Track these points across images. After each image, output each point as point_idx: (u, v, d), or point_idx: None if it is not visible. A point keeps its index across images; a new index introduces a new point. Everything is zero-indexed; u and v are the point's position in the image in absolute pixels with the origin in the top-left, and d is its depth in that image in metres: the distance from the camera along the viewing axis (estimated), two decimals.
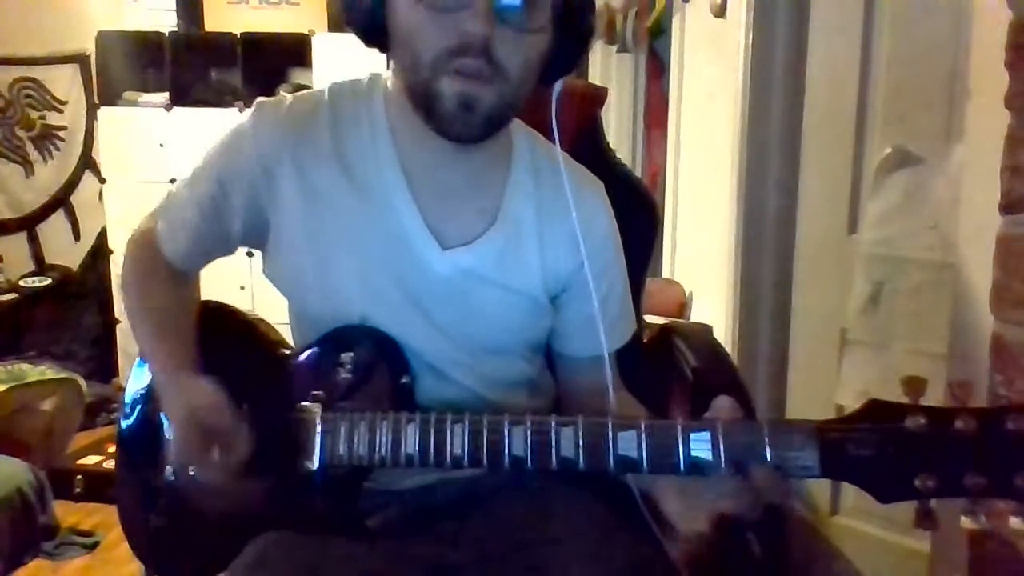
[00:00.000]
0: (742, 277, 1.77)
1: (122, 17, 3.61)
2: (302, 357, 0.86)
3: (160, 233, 0.92)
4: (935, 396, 0.61)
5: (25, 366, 2.58)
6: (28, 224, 3.83)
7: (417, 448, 0.73)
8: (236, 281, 2.80)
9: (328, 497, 0.79)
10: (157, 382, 0.88)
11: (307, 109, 0.85)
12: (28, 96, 3.77)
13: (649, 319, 1.34)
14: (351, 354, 0.82)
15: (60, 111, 3.78)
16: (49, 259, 3.85)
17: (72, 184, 3.82)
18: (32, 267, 3.81)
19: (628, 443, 0.66)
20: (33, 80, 3.75)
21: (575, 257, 0.86)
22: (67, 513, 2.34)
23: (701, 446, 0.64)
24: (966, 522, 0.57)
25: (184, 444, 0.80)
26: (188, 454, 0.81)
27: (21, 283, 3.67)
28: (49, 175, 3.82)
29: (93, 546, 2.25)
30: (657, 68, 2.87)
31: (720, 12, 1.86)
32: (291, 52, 3.42)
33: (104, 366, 3.59)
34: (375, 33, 0.77)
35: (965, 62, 1.02)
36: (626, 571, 0.74)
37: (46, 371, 2.58)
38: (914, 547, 1.27)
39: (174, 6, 3.53)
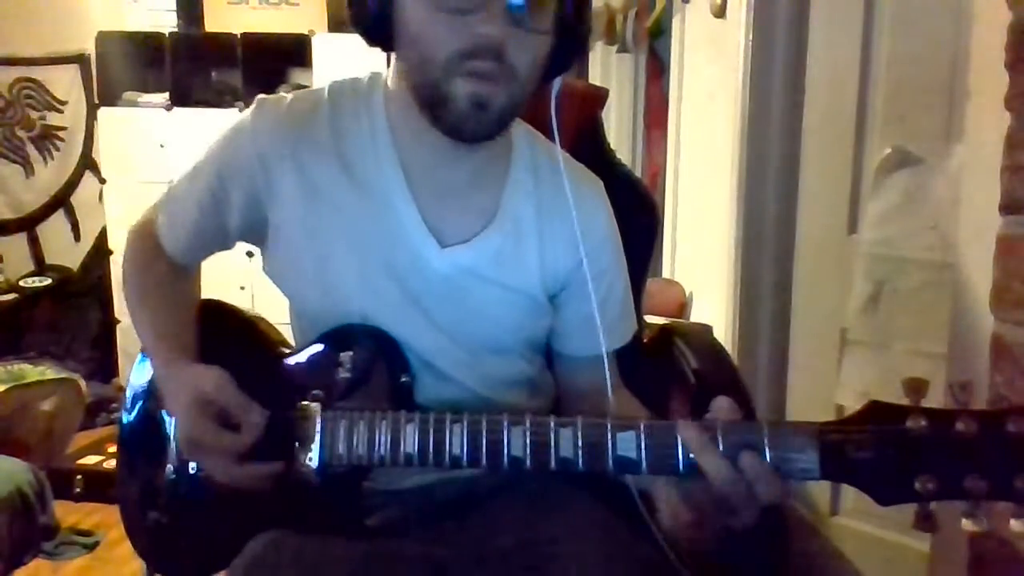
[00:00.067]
0: (742, 277, 1.76)
1: (122, 17, 3.61)
2: (301, 356, 0.86)
3: (160, 225, 0.93)
4: (935, 396, 0.61)
5: (25, 366, 2.58)
6: (28, 224, 3.83)
7: (416, 448, 0.73)
8: (236, 281, 2.81)
9: (327, 496, 0.79)
10: (157, 374, 0.88)
11: (307, 107, 0.85)
12: (28, 96, 3.77)
13: (649, 319, 1.34)
14: (350, 353, 0.82)
15: (60, 111, 3.79)
16: (49, 259, 3.85)
17: (72, 184, 3.83)
18: (32, 267, 3.81)
19: (627, 444, 0.66)
20: (33, 80, 3.75)
21: (574, 256, 0.86)
22: (67, 513, 2.34)
23: None
24: (966, 524, 0.57)
25: (191, 430, 0.79)
26: (197, 440, 0.79)
27: (21, 283, 3.67)
28: (49, 175, 3.83)
29: (93, 546, 2.25)
30: (657, 68, 2.87)
31: (720, 12, 1.86)
32: (291, 52, 3.42)
33: (104, 366, 3.59)
34: (380, 33, 0.76)
35: (965, 62, 1.02)
36: (626, 571, 0.74)
37: (46, 371, 2.58)
38: (914, 547, 1.27)
39: (174, 6, 3.53)
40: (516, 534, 0.80)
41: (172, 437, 0.89)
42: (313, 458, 0.78)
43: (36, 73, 3.74)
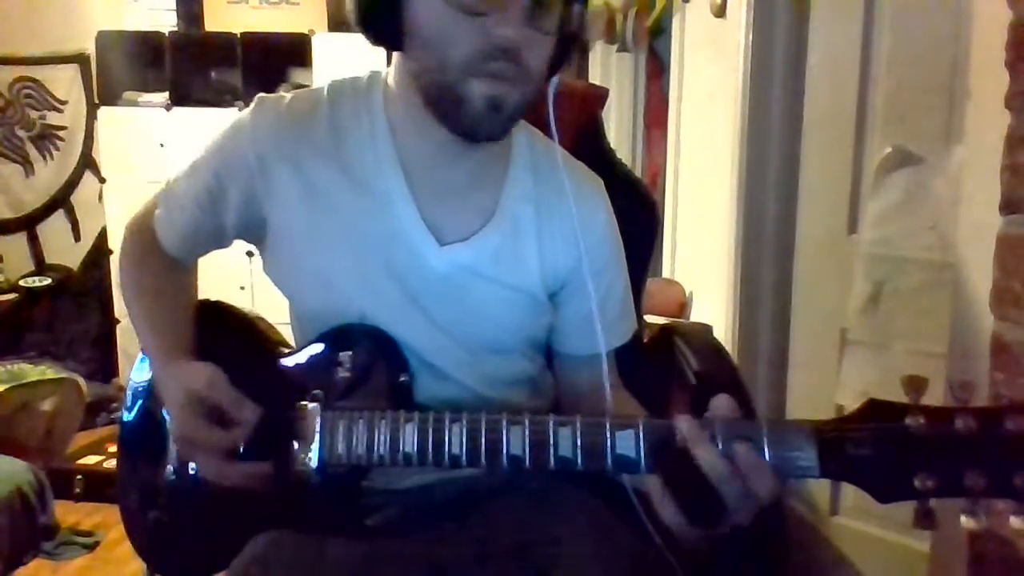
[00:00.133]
0: (742, 277, 1.76)
1: (122, 17, 3.61)
2: (300, 356, 0.86)
3: (157, 220, 0.94)
4: (935, 396, 0.61)
5: (25, 366, 2.58)
6: (28, 224, 3.83)
7: (415, 447, 0.73)
8: (236, 281, 2.81)
9: (327, 496, 0.79)
10: (154, 372, 0.88)
11: (307, 106, 0.85)
12: (28, 96, 3.77)
13: (649, 319, 1.34)
14: (349, 353, 0.82)
15: (60, 111, 3.79)
16: (49, 259, 3.85)
17: (72, 184, 3.82)
18: (32, 267, 3.81)
19: (626, 442, 0.66)
20: (33, 80, 3.75)
21: (574, 254, 0.86)
22: (67, 513, 2.34)
23: None
24: (966, 522, 0.57)
25: (184, 426, 0.79)
26: (189, 437, 0.80)
27: (21, 283, 3.67)
28: (49, 175, 3.83)
29: (93, 546, 2.25)
30: (657, 68, 2.87)
31: (720, 12, 1.86)
32: (291, 52, 3.42)
33: (104, 366, 3.59)
34: (388, 33, 0.76)
35: (965, 62, 1.02)
36: (626, 571, 0.74)
37: (46, 371, 2.58)
38: (914, 547, 1.27)
39: (174, 6, 3.53)
40: (516, 535, 0.80)
41: (172, 437, 0.89)
42: (312, 458, 0.78)
43: (36, 73, 3.74)
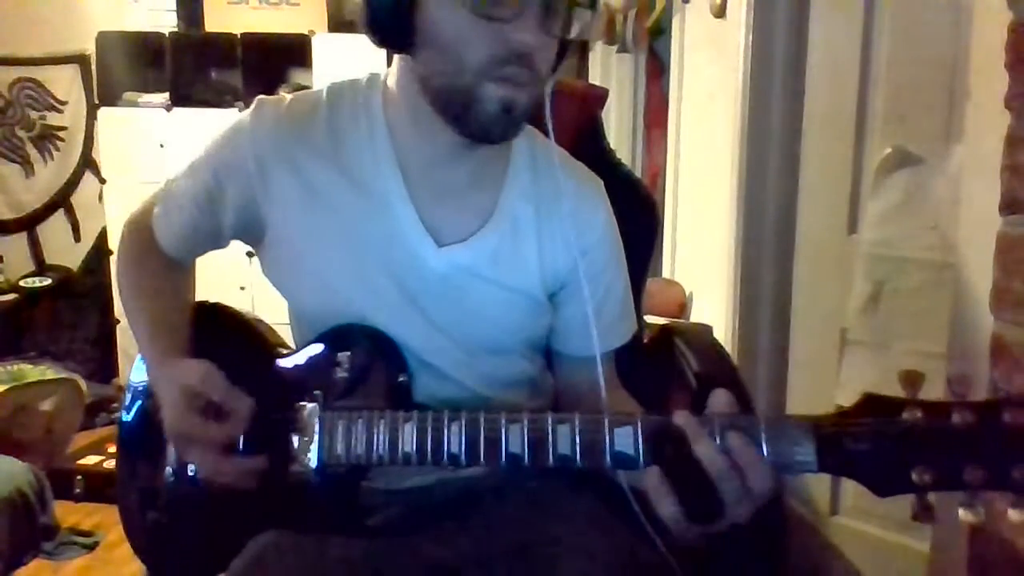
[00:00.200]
0: (742, 277, 1.76)
1: (122, 17, 3.61)
2: (299, 356, 0.86)
3: (156, 219, 0.94)
4: (935, 396, 0.60)
5: (25, 366, 2.59)
6: (28, 224, 3.84)
7: (415, 447, 0.73)
8: (236, 281, 2.81)
9: (326, 496, 0.79)
10: (150, 372, 0.88)
11: (306, 108, 0.85)
12: (28, 96, 3.77)
13: (649, 319, 1.34)
14: (348, 353, 0.82)
15: (60, 111, 3.79)
16: (49, 259, 3.85)
17: (72, 184, 3.83)
18: (32, 267, 3.82)
19: (624, 439, 0.66)
20: (33, 80, 3.75)
21: (574, 255, 0.86)
22: (67, 513, 2.34)
23: None
24: (964, 515, 0.57)
25: (179, 422, 0.79)
26: (185, 433, 0.80)
27: (21, 283, 3.67)
28: (49, 175, 3.83)
29: (93, 546, 2.25)
30: (657, 68, 2.87)
31: (720, 12, 1.86)
32: (291, 52, 3.42)
33: (104, 366, 3.59)
34: (399, 36, 0.75)
35: (965, 62, 1.02)
36: (625, 571, 0.74)
37: (46, 371, 2.58)
38: (914, 547, 1.27)
39: (174, 6, 3.53)
40: (516, 534, 0.80)
41: (167, 434, 0.88)
42: (312, 458, 0.78)
43: (36, 73, 3.74)
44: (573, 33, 0.76)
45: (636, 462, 0.66)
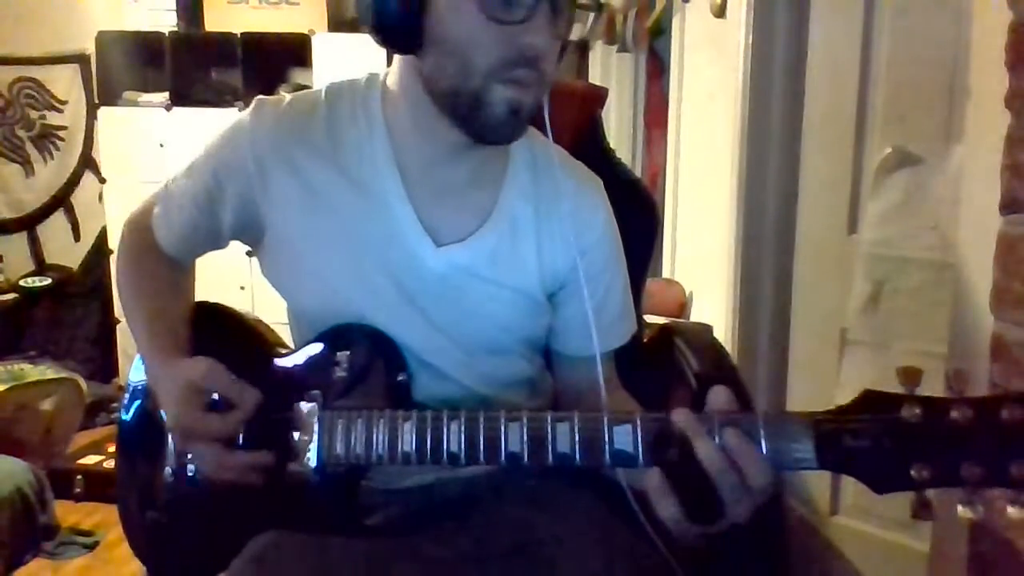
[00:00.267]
0: (742, 277, 1.76)
1: (122, 17, 3.61)
2: (299, 356, 0.86)
3: (155, 219, 0.94)
4: (935, 395, 0.60)
5: (25, 366, 2.59)
6: (28, 224, 3.84)
7: (414, 446, 0.73)
8: (236, 281, 2.81)
9: (326, 496, 0.79)
10: (150, 373, 0.88)
11: (305, 108, 0.85)
12: (28, 96, 3.77)
13: (649, 319, 1.34)
14: (347, 353, 0.82)
15: (60, 111, 3.79)
16: (49, 259, 3.85)
17: (72, 184, 3.83)
18: (32, 267, 3.82)
19: (624, 437, 0.66)
20: (33, 80, 3.76)
21: (572, 255, 0.86)
22: (67, 513, 2.34)
23: None
24: (963, 512, 0.57)
25: (182, 417, 0.79)
26: (188, 428, 0.80)
27: (21, 283, 3.67)
28: (49, 175, 3.83)
29: (93, 546, 2.25)
30: (657, 68, 2.87)
31: (720, 12, 1.86)
32: (291, 52, 3.42)
33: (104, 366, 3.59)
34: (406, 37, 0.75)
35: (965, 62, 1.02)
36: (625, 571, 0.74)
37: (46, 371, 2.58)
38: (914, 546, 1.27)
39: (174, 6, 3.54)
40: (516, 534, 0.80)
41: (169, 430, 0.89)
42: (311, 457, 0.78)
43: (36, 73, 3.75)
44: (576, 35, 0.76)
45: (635, 460, 0.66)
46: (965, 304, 0.94)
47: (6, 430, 2.29)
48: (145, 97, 3.45)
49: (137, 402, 0.95)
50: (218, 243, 0.92)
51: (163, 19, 3.54)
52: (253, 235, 0.88)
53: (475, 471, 0.89)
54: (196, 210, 0.88)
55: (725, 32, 1.84)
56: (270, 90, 3.04)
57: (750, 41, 1.71)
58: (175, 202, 0.91)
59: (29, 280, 3.70)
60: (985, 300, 0.87)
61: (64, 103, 3.78)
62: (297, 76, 3.60)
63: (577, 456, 0.67)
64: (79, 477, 2.54)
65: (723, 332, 1.78)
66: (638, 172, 2.97)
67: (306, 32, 3.36)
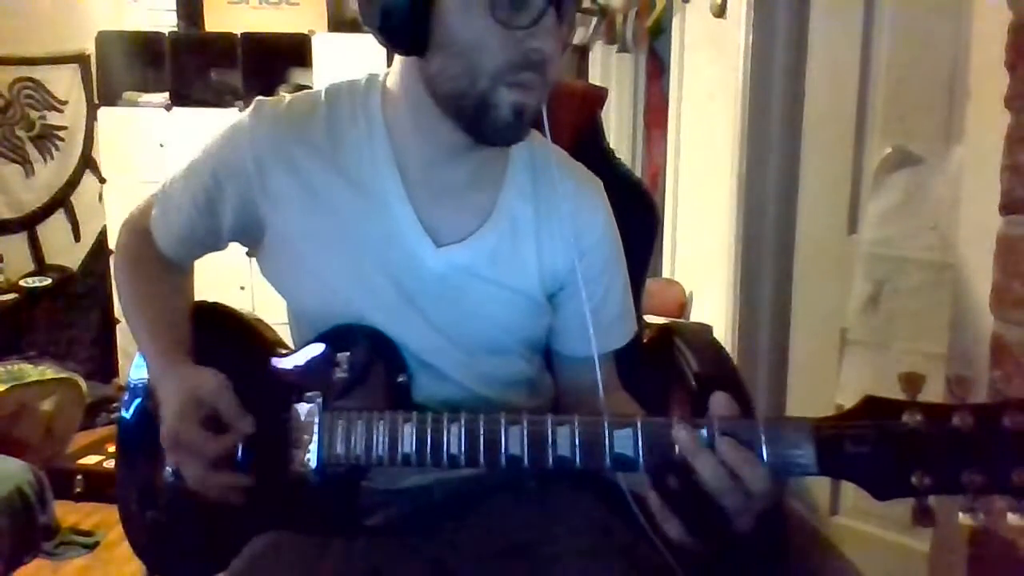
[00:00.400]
0: (742, 277, 1.76)
1: (122, 17, 3.61)
2: (299, 357, 0.86)
3: (154, 221, 0.94)
4: (935, 395, 0.60)
5: (25, 366, 2.59)
6: (28, 224, 3.84)
7: (414, 447, 0.73)
8: (236, 281, 2.81)
9: (326, 497, 0.79)
10: (152, 371, 0.88)
11: (305, 109, 0.85)
12: (28, 96, 3.77)
13: (649, 319, 1.34)
14: (347, 353, 0.82)
15: (60, 111, 3.79)
16: (49, 259, 3.85)
17: (72, 184, 3.83)
18: (32, 267, 3.82)
19: (624, 441, 0.66)
20: (33, 80, 3.75)
21: (572, 256, 0.86)
22: (67, 513, 2.34)
23: None
24: (964, 519, 0.57)
25: (178, 426, 0.79)
26: (181, 439, 0.79)
27: (21, 283, 3.67)
28: (49, 175, 3.83)
29: (93, 546, 2.25)
30: (657, 68, 2.87)
31: (720, 12, 1.86)
32: (291, 52, 3.42)
33: (104, 366, 3.59)
34: (411, 39, 0.75)
35: (965, 62, 1.02)
36: (624, 571, 0.74)
37: (46, 371, 2.58)
38: (914, 547, 1.27)
39: (174, 6, 3.54)
40: (515, 534, 0.80)
41: (161, 437, 0.88)
42: (311, 458, 0.78)
43: (36, 73, 3.74)
44: (578, 39, 0.77)
45: (636, 464, 0.66)
46: (965, 304, 0.94)
47: (6, 430, 2.29)
48: (145, 97, 3.45)
49: (137, 400, 0.95)
50: (217, 244, 0.92)
51: (163, 19, 3.54)
52: (252, 236, 0.88)
53: (474, 472, 0.89)
54: (195, 211, 0.88)
55: (725, 32, 1.83)
56: (270, 90, 3.04)
57: (750, 41, 1.71)
58: (173, 203, 0.91)
59: (29, 280, 3.70)
60: (985, 300, 0.87)
61: (64, 103, 3.78)
62: (297, 76, 3.60)
63: (577, 459, 0.67)
64: (79, 477, 2.54)
65: (723, 332, 1.78)
66: (638, 172, 2.97)
67: (306, 32, 3.36)
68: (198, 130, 3.20)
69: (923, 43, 1.32)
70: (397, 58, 0.81)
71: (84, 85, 3.72)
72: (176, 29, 3.49)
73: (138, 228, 0.96)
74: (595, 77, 3.27)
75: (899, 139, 1.31)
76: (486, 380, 0.87)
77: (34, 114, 3.79)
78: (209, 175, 0.86)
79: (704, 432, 0.64)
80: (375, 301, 0.83)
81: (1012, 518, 0.55)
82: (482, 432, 0.70)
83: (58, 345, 3.63)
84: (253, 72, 3.38)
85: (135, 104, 3.42)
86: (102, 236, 3.66)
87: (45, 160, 3.83)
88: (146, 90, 3.50)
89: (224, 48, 3.36)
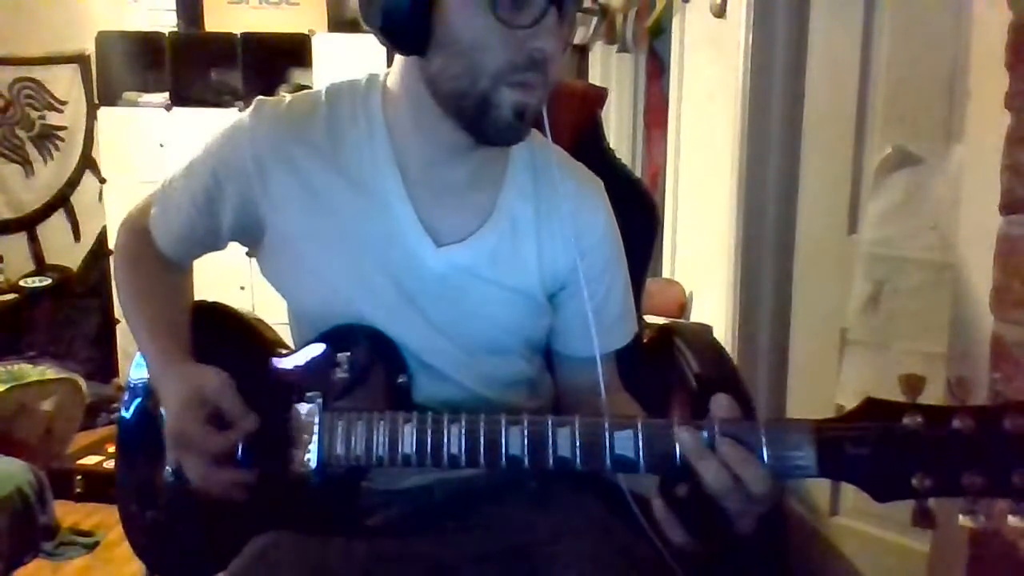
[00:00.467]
0: (742, 277, 1.76)
1: (122, 17, 3.61)
2: (299, 357, 0.86)
3: (153, 220, 0.94)
4: (935, 396, 0.60)
5: (25, 366, 2.58)
6: (28, 224, 3.84)
7: (414, 448, 0.73)
8: (236, 281, 2.80)
9: (326, 497, 0.79)
10: (153, 370, 0.88)
11: (305, 109, 0.85)
12: (28, 96, 3.77)
13: (649, 319, 1.34)
14: (348, 353, 0.82)
15: (60, 111, 3.79)
16: (49, 259, 3.85)
17: (72, 184, 3.83)
18: (32, 267, 3.82)
19: (625, 443, 0.66)
20: (33, 80, 3.75)
21: (573, 256, 0.86)
22: (67, 513, 2.34)
23: None
24: (964, 521, 0.57)
25: (182, 423, 0.79)
26: (185, 436, 0.80)
27: (21, 283, 3.67)
28: (49, 175, 3.83)
29: (93, 546, 2.25)
30: (657, 68, 2.87)
31: (720, 12, 1.86)
32: (291, 52, 3.42)
33: (104, 366, 3.59)
34: (412, 39, 0.75)
35: (965, 62, 1.02)
36: (624, 571, 0.74)
37: (46, 371, 2.58)
38: (914, 547, 1.27)
39: (174, 6, 3.53)
40: (515, 534, 0.80)
41: (166, 434, 0.88)
42: (311, 458, 0.78)
43: (36, 73, 3.74)
44: (579, 39, 0.77)
45: (636, 465, 0.66)
46: (965, 304, 0.94)
47: (6, 430, 2.29)
48: (145, 97, 3.44)
49: (137, 400, 0.95)
50: (217, 244, 0.92)
51: (163, 19, 3.54)
52: (252, 236, 0.88)
53: (475, 472, 0.89)
54: (195, 210, 0.88)
55: (725, 32, 1.83)
56: (270, 90, 3.03)
57: (750, 41, 1.71)
58: (173, 203, 0.91)
59: (29, 280, 3.70)
60: (985, 300, 0.87)
61: (64, 103, 3.78)
62: (297, 76, 3.59)
63: (577, 460, 0.67)
64: (79, 477, 2.54)
65: (723, 332, 1.78)
66: (638, 172, 2.97)
67: (306, 32, 3.36)
68: (198, 130, 3.20)
69: (923, 43, 1.32)
70: (398, 58, 0.81)
71: (84, 85, 3.72)
72: (176, 29, 3.48)
73: (137, 227, 0.96)
74: (595, 77, 3.27)
75: (899, 139, 1.31)
76: (486, 380, 0.87)
77: (34, 114, 3.79)
78: (209, 175, 0.86)
79: (705, 434, 0.63)
80: (375, 301, 0.83)
81: (1012, 520, 0.55)
82: (482, 432, 0.70)
83: (58, 345, 3.63)
84: (253, 72, 3.38)
85: (135, 104, 3.42)
86: (102, 236, 3.66)
87: (45, 160, 3.83)
88: (146, 90, 3.50)
89: (224, 48, 3.36)
